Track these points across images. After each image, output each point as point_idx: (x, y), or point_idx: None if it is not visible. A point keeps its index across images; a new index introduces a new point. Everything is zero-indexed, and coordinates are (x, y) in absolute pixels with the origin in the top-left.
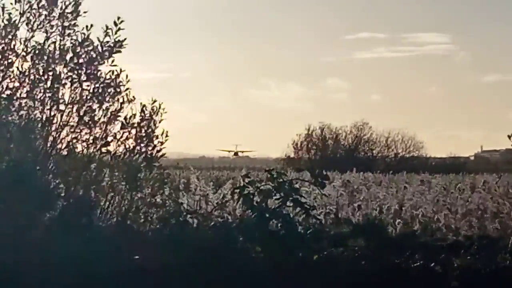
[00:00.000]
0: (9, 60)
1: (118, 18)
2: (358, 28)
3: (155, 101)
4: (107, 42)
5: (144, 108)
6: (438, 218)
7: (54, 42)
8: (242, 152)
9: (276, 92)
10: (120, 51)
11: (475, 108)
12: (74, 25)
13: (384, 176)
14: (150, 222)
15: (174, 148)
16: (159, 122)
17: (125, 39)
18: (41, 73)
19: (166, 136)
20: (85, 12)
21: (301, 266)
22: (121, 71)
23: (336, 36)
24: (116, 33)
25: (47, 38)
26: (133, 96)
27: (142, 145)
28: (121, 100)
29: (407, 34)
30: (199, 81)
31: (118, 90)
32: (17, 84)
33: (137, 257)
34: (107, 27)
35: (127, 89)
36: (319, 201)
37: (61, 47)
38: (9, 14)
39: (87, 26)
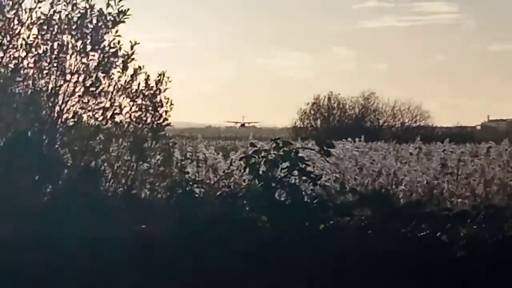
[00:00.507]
0: (15, 31)
1: None
2: None
3: (161, 73)
4: (110, 12)
5: (148, 78)
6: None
7: (60, 12)
8: (249, 123)
9: (283, 61)
10: (124, 21)
11: (481, 77)
12: None
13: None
14: (156, 192)
15: (180, 117)
16: (164, 91)
17: (128, 9)
18: (47, 43)
19: (171, 104)
20: None
21: (308, 236)
22: (133, 44)
23: (343, 5)
24: (118, 3)
25: (53, 8)
26: (139, 66)
27: (147, 114)
28: (127, 70)
29: (414, 3)
30: (204, 50)
31: (126, 61)
32: (23, 54)
33: (143, 226)
34: None
35: (132, 59)
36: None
37: (67, 16)
38: None
39: None
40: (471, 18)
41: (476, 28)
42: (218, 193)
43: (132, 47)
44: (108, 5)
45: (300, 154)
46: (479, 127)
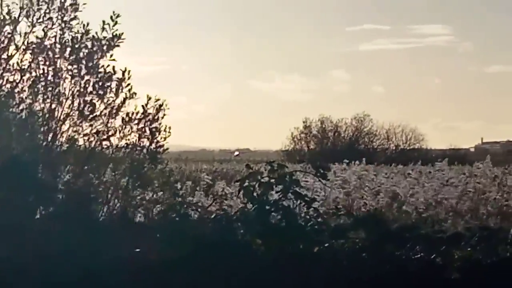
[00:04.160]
0: (10, 54)
1: (114, 13)
2: (362, 19)
3: (158, 99)
4: (105, 36)
5: (146, 104)
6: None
7: (55, 36)
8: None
9: (279, 83)
10: (118, 46)
11: (476, 100)
12: (74, 18)
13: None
14: (151, 215)
15: (174, 140)
16: (162, 118)
17: (122, 33)
18: (41, 67)
19: (169, 131)
20: (84, 4)
21: (302, 258)
22: (125, 69)
23: (339, 27)
24: (113, 28)
25: (47, 32)
26: (134, 92)
27: (144, 140)
28: (122, 94)
29: (410, 25)
30: (199, 73)
31: (119, 84)
32: (17, 78)
33: (137, 250)
34: (103, 22)
35: (128, 84)
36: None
37: (61, 41)
38: (9, 8)
39: (85, 24)
40: (467, 40)
41: (472, 51)
42: (213, 216)
43: (125, 72)
44: (103, 29)
45: (299, 178)
46: (473, 149)
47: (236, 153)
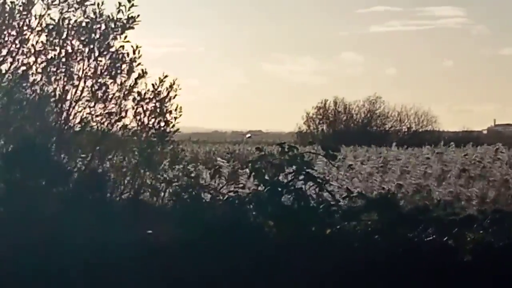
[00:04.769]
0: (24, 36)
1: None
2: (372, 1)
3: (166, 76)
4: (120, 18)
5: (157, 83)
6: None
7: (69, 18)
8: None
9: (291, 66)
10: (133, 28)
11: (489, 82)
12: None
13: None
14: (163, 197)
15: (187, 122)
16: (173, 97)
17: (138, 15)
18: (55, 49)
19: (180, 111)
20: None
21: (314, 240)
22: (137, 47)
23: (350, 10)
24: (129, 10)
25: (62, 14)
26: (146, 72)
27: (155, 120)
28: (134, 75)
29: (421, 7)
30: (212, 55)
31: (131, 65)
32: (31, 60)
33: (149, 231)
34: (119, 3)
35: (138, 64)
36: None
37: (75, 23)
38: None
39: (100, 3)
40: (480, 23)
41: (485, 33)
42: (225, 198)
43: (136, 52)
44: (119, 10)
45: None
46: (485, 132)
47: (248, 135)
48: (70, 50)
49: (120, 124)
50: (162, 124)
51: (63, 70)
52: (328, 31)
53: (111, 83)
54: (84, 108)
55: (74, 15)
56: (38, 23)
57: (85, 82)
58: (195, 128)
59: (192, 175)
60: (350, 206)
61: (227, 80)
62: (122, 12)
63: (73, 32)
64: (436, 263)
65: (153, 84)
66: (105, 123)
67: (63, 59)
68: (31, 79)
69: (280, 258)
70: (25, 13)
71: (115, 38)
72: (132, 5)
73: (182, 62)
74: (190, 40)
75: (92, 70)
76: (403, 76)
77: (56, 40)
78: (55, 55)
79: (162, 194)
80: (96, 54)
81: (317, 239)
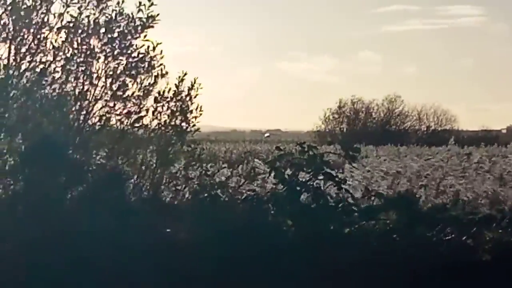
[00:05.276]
0: (43, 34)
1: None
2: (391, 0)
3: (185, 74)
4: (140, 17)
5: (178, 82)
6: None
7: (88, 16)
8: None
9: (307, 65)
10: (152, 26)
11: (508, 81)
12: None
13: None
14: (182, 196)
15: (205, 121)
16: (194, 97)
17: (158, 14)
18: (75, 47)
19: (201, 110)
20: None
21: (332, 239)
22: (157, 44)
23: (367, 9)
24: (148, 8)
25: (81, 12)
26: (166, 71)
27: (176, 119)
28: (155, 74)
29: (440, 6)
30: (228, 54)
31: (152, 64)
32: (50, 58)
33: (168, 230)
34: (140, 2)
35: (160, 64)
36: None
37: (95, 21)
38: None
39: (119, 2)
40: (499, 21)
41: (504, 31)
42: (243, 197)
43: (157, 50)
44: (139, 9)
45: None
46: (504, 131)
47: (267, 134)
48: (89, 49)
49: (140, 123)
50: (183, 123)
51: (83, 68)
52: (345, 30)
53: (130, 81)
54: (104, 106)
55: (93, 14)
56: (57, 21)
57: (105, 81)
58: (213, 127)
59: (209, 173)
60: (368, 205)
61: (244, 79)
62: (142, 11)
63: (92, 31)
64: (454, 263)
65: (175, 84)
66: (125, 122)
67: (83, 58)
68: (50, 77)
69: (299, 256)
70: (44, 11)
71: (135, 37)
72: (152, 3)
73: (199, 62)
74: (206, 39)
75: (112, 69)
76: (422, 75)
77: (75, 39)
78: (74, 53)
79: (181, 193)
80: (116, 52)
81: (336, 238)
